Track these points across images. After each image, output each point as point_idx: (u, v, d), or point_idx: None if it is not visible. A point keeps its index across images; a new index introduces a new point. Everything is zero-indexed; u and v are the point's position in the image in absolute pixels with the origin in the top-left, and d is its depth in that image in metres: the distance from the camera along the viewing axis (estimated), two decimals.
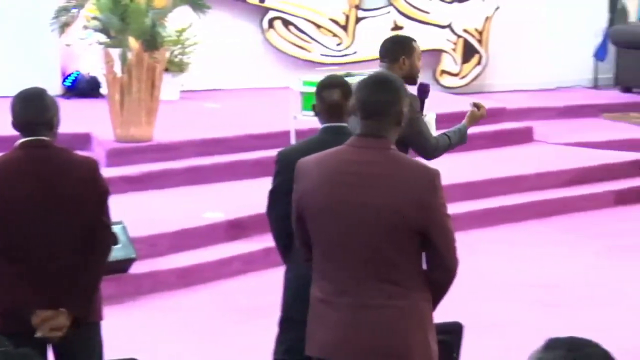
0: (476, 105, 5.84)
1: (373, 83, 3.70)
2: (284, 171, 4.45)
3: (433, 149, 5.59)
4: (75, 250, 4.22)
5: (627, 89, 12.34)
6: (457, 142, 5.72)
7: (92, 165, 4.35)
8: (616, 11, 12.53)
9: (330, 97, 4.51)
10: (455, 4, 12.18)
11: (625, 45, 12.28)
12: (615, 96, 12.08)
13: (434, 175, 3.60)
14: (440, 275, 3.65)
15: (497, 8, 12.23)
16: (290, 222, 4.35)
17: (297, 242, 3.86)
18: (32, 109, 4.29)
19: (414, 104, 5.55)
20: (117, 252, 6.63)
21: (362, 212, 3.57)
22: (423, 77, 12.31)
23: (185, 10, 9.16)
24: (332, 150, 3.74)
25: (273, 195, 4.59)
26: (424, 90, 5.73)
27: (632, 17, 12.71)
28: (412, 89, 5.65)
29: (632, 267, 7.58)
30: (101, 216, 4.29)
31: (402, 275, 3.59)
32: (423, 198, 3.55)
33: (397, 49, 5.62)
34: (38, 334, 4.17)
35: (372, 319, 3.60)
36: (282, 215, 4.41)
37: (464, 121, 5.82)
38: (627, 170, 9.61)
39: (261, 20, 11.82)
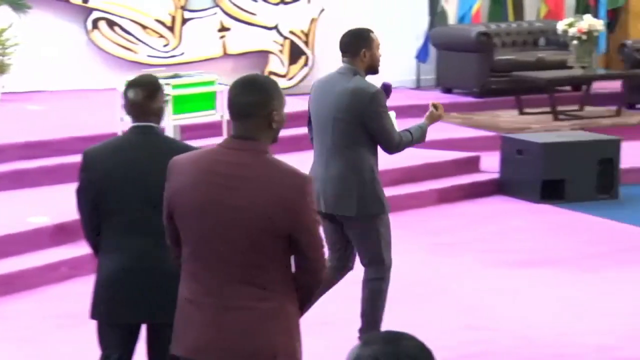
0: (434, 106, 6.02)
1: (242, 84, 3.65)
2: (88, 169, 4.48)
3: (397, 144, 5.76)
4: None
5: (447, 90, 12.69)
6: (418, 139, 5.92)
7: None
8: (436, 14, 12.86)
9: (132, 96, 4.49)
10: (281, 6, 12.26)
11: (444, 47, 12.62)
12: (436, 97, 12.39)
13: (305, 180, 3.58)
14: (307, 279, 3.65)
15: (323, 10, 12.37)
16: (95, 218, 4.41)
17: (167, 240, 3.82)
18: None
19: (380, 98, 5.72)
20: None
21: (229, 213, 3.55)
22: None
23: (4, 10, 8.92)
24: (206, 149, 3.72)
25: (79, 193, 4.55)
26: (386, 90, 5.87)
27: (451, 20, 13.07)
28: (374, 79, 5.86)
29: (456, 263, 7.80)
30: None
31: (268, 278, 3.59)
32: (291, 203, 3.53)
33: (357, 42, 5.84)
34: None
35: (236, 321, 3.59)
36: (88, 211, 4.46)
37: (424, 120, 5.99)
38: (449, 169, 9.89)
39: (85, 20, 11.61)
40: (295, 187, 3.55)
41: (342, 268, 6.02)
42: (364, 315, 5.95)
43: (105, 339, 4.52)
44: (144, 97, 4.48)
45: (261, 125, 3.60)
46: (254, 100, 3.60)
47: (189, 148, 4.53)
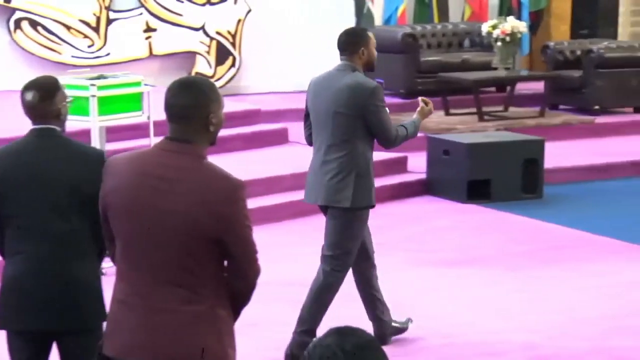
0: (424, 102, 6.16)
1: (179, 86, 3.62)
2: None
3: (394, 139, 5.93)
4: None
5: None
6: (412, 134, 6.07)
7: None
8: (362, 15, 12.91)
9: (28, 98, 4.45)
10: (208, 7, 12.22)
11: None
12: None
13: (237, 186, 3.54)
14: (239, 284, 3.63)
15: (249, 11, 12.36)
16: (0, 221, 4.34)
17: (105, 240, 3.82)
18: None
19: (380, 93, 5.91)
20: None
21: (159, 216, 3.54)
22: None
23: None
24: (143, 151, 3.70)
25: None
26: None
27: (377, 21, 13.14)
28: (371, 75, 6.10)
29: (383, 262, 7.82)
30: None
31: (197, 282, 3.56)
32: (222, 209, 3.50)
33: (356, 40, 6.02)
34: None
35: (165, 323, 3.57)
36: None
37: (415, 115, 6.14)
38: (376, 170, 9.86)
39: (8, 21, 11.45)
40: (225, 193, 3.52)
41: (366, 259, 6.14)
42: (309, 308, 5.95)
43: (12, 348, 4.44)
44: (40, 99, 4.42)
45: (198, 128, 3.57)
46: (192, 102, 3.57)
47: (89, 149, 4.48)
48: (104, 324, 3.84)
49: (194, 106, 3.57)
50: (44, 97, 4.42)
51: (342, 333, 2.47)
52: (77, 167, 4.33)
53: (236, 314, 3.70)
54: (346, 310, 6.17)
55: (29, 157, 4.36)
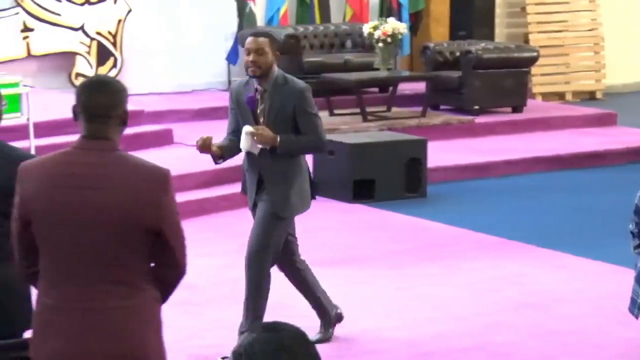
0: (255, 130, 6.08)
1: (97, 85, 3.67)
2: None
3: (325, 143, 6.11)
4: None
5: None
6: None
7: None
8: (244, 15, 12.90)
9: None
10: (87, 6, 12.05)
11: None
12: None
13: (166, 175, 3.62)
14: (170, 273, 3.69)
15: (130, 11, 12.23)
16: None
17: (16, 254, 3.71)
18: None
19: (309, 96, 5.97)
20: None
21: (89, 214, 3.53)
22: (57, 81, 12.10)
23: None
24: (56, 153, 3.66)
25: None
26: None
27: (259, 22, 13.15)
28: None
29: None
30: None
31: (131, 275, 3.59)
32: (153, 197, 3.56)
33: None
34: None
35: (106, 322, 3.56)
36: None
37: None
38: None
39: None
40: (156, 182, 3.60)
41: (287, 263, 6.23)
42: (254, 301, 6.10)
43: None
44: None
45: (115, 124, 3.64)
46: (111, 101, 3.63)
47: (12, 150, 4.38)
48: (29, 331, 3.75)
49: (112, 105, 3.63)
50: None
51: (274, 329, 2.51)
52: (2, 166, 4.22)
53: (164, 302, 3.74)
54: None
55: None
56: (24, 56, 11.81)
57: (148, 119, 10.73)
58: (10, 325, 4.25)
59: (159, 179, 3.61)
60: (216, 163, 6.16)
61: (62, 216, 3.56)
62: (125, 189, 3.56)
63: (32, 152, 7.94)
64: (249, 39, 6.01)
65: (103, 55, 12.10)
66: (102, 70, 12.10)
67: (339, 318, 6.37)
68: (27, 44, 11.84)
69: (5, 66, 11.21)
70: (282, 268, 6.34)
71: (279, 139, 5.91)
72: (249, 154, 6.11)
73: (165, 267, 3.67)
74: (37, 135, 8.90)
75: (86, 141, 3.63)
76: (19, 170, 3.67)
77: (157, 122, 10.83)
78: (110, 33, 12.14)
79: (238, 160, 10.07)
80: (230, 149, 6.14)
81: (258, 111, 6.04)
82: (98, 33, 12.08)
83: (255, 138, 5.97)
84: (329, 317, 6.33)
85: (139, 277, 3.62)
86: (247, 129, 5.96)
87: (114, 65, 12.14)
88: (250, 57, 5.91)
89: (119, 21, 12.16)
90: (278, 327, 2.53)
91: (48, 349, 3.61)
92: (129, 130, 10.29)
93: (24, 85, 8.92)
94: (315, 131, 5.99)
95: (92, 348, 3.57)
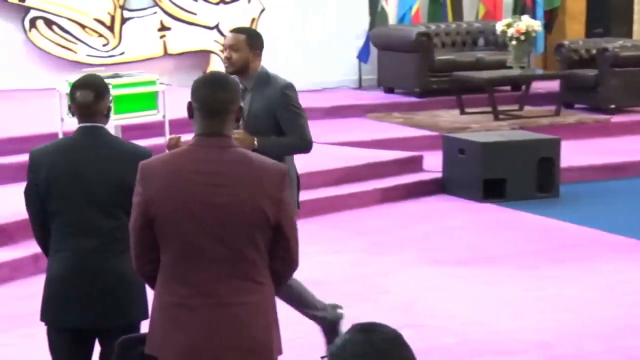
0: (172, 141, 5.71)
1: (214, 82, 3.71)
2: (33, 170, 4.42)
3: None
4: None
5: (389, 90, 12.75)
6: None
7: None
8: (376, 14, 12.91)
9: (81, 97, 4.46)
10: (222, 5, 12.23)
11: (385, 47, 12.69)
12: (378, 96, 12.45)
13: (284, 170, 3.70)
14: (285, 267, 3.74)
15: (263, 10, 12.36)
16: (43, 219, 4.34)
17: (134, 252, 3.74)
18: None
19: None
20: None
21: (216, 211, 3.58)
22: (192, 79, 12.29)
23: None
24: (176, 151, 3.72)
25: (26, 194, 4.51)
26: None
27: (391, 20, 13.14)
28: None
29: (395, 261, 7.84)
30: None
31: (255, 270, 3.65)
32: (274, 192, 3.63)
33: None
34: None
35: (233, 317, 3.62)
36: (36, 212, 4.40)
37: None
38: (390, 169, 9.94)
39: (23, 20, 11.49)
40: (277, 177, 3.66)
41: None
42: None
43: (54, 346, 4.46)
44: (94, 98, 4.46)
45: (231, 120, 3.69)
46: (228, 96, 3.67)
47: (137, 148, 4.51)
48: (148, 329, 3.78)
49: (231, 100, 3.68)
50: (97, 96, 4.45)
51: (368, 330, 2.45)
52: (123, 164, 4.36)
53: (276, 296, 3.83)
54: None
55: (76, 155, 4.39)
56: (161, 55, 12.06)
57: None
58: (127, 316, 4.37)
59: (279, 174, 3.66)
60: None
61: (189, 214, 3.59)
62: (249, 186, 3.61)
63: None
64: (227, 35, 5.85)
65: None
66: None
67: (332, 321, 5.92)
68: (164, 43, 12.09)
69: (143, 64, 11.48)
70: None
71: (256, 142, 5.55)
72: None
73: (281, 261, 3.71)
74: (172, 132, 9.08)
75: (205, 138, 3.65)
76: (141, 170, 3.69)
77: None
78: None
79: (370, 157, 10.12)
80: None
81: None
82: None
83: None
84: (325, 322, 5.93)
85: (260, 272, 3.67)
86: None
87: None
88: (225, 53, 5.73)
89: (253, 20, 12.31)
90: (372, 329, 2.45)
91: (175, 345, 3.64)
92: None
93: (161, 83, 9.10)
94: (299, 131, 5.67)
95: (220, 343, 3.61)
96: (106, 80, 8.19)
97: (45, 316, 4.44)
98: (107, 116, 4.52)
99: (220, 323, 3.61)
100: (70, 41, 11.66)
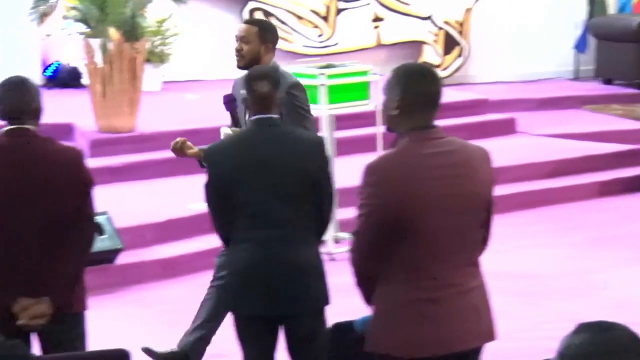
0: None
1: (429, 74, 3.81)
2: (215, 164, 4.50)
3: None
4: (55, 240, 4.20)
5: (607, 81, 12.38)
6: None
7: (75, 156, 4.33)
8: (595, 3, 12.57)
9: (260, 89, 4.50)
10: None
11: (604, 37, 12.32)
12: (596, 88, 12.11)
13: (488, 151, 3.86)
14: (482, 248, 3.87)
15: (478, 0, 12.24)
16: (225, 211, 4.40)
17: (363, 253, 3.72)
18: (18, 96, 4.27)
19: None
20: (103, 243, 6.62)
21: (457, 201, 3.67)
22: None
23: (164, 1, 9.13)
24: (405, 146, 3.70)
25: (207, 187, 4.59)
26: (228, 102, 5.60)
27: (611, 9, 12.76)
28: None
29: (612, 258, 7.61)
30: (83, 207, 4.26)
31: (476, 255, 3.80)
32: (492, 176, 3.81)
33: None
34: (19, 322, 4.18)
35: (469, 303, 3.73)
36: (218, 205, 4.49)
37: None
38: (608, 162, 9.65)
39: (241, 11, 11.79)
40: (489, 160, 3.79)
41: None
42: None
43: (242, 333, 4.55)
44: (271, 88, 4.52)
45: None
46: (439, 89, 3.76)
47: (314, 136, 4.57)
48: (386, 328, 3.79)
49: (440, 92, 3.76)
50: (274, 87, 4.55)
51: (608, 329, 2.30)
52: (305, 154, 4.43)
53: None
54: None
55: (258, 147, 4.47)
56: (374, 45, 12.13)
57: (492, 107, 10.71)
58: (315, 302, 4.46)
59: (489, 157, 3.78)
60: (202, 167, 5.18)
61: (431, 209, 3.63)
62: (477, 173, 3.70)
63: (380, 139, 8.14)
64: (240, 26, 5.61)
65: (449, 44, 12.19)
66: (448, 59, 12.20)
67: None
68: (377, 34, 12.15)
69: (356, 55, 11.56)
70: None
71: None
72: None
73: (484, 243, 3.82)
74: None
75: (430, 131, 3.69)
76: (373, 173, 3.65)
77: (501, 111, 10.77)
78: (457, 22, 12.21)
79: (588, 150, 9.83)
80: None
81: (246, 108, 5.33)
82: (446, 22, 12.18)
83: None
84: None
85: (477, 255, 3.79)
86: (224, 130, 5.43)
87: (460, 55, 12.21)
88: (236, 46, 5.53)
89: (467, 10, 12.21)
90: (612, 328, 2.31)
91: (423, 340, 3.66)
92: (472, 119, 10.38)
93: (373, 74, 9.15)
94: None
95: (466, 329, 3.68)
96: (320, 71, 8.34)
97: (234, 305, 4.53)
98: (279, 106, 4.57)
99: (464, 311, 3.68)
100: (286, 32, 11.89)
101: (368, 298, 3.78)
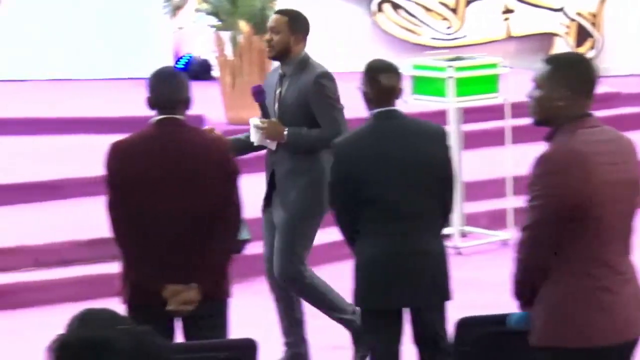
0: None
1: (591, 62, 3.89)
2: (340, 162, 4.49)
3: None
4: (205, 228, 4.27)
5: None
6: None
7: (223, 146, 4.43)
8: None
9: (388, 81, 4.50)
10: None
11: None
12: None
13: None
14: None
15: None
16: (350, 210, 4.39)
17: (542, 247, 3.68)
18: (171, 87, 4.38)
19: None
20: None
21: (623, 188, 3.70)
22: (534, 62, 12.07)
23: None
24: (577, 137, 3.70)
25: (333, 186, 4.59)
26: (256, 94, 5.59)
27: None
28: None
29: None
30: (231, 195, 4.32)
31: (631, 243, 3.81)
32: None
33: None
34: (169, 307, 4.25)
35: (635, 291, 3.76)
36: (345, 202, 4.48)
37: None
38: None
39: (369, 3, 11.79)
40: (636, 151, 3.89)
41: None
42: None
43: (371, 327, 4.55)
44: (398, 81, 4.54)
45: None
46: (598, 77, 3.85)
47: (436, 125, 4.54)
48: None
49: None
50: (400, 80, 4.57)
51: None
52: (430, 144, 4.42)
53: None
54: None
55: (384, 140, 4.49)
56: (504, 37, 11.99)
57: (625, 101, 10.48)
58: (445, 294, 4.51)
59: (635, 147, 3.84)
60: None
61: (610, 192, 3.65)
62: (633, 160, 3.77)
63: (508, 133, 8.05)
64: (272, 16, 5.51)
65: (582, 36, 11.97)
66: (580, 51, 11.98)
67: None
68: (507, 26, 12.01)
69: (485, 47, 11.45)
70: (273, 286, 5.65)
71: (285, 133, 5.24)
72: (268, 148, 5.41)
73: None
74: (513, 115, 9.01)
75: (590, 119, 3.74)
76: (555, 160, 3.66)
77: (634, 105, 10.53)
78: (590, 14, 11.98)
79: None
80: (244, 143, 5.42)
81: (275, 99, 5.39)
82: (578, 14, 11.96)
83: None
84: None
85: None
86: (253, 121, 5.36)
87: (592, 47, 11.97)
88: (266, 36, 5.43)
89: (601, 1, 11.96)
90: None
91: (600, 327, 3.66)
92: (604, 112, 10.18)
93: (503, 66, 9.06)
94: (332, 124, 5.22)
95: (637, 317, 3.70)
96: (448, 63, 8.29)
97: (363, 300, 4.53)
98: (399, 98, 4.57)
99: (632, 299, 3.70)
100: (415, 24, 11.84)
101: (528, 294, 3.70)
